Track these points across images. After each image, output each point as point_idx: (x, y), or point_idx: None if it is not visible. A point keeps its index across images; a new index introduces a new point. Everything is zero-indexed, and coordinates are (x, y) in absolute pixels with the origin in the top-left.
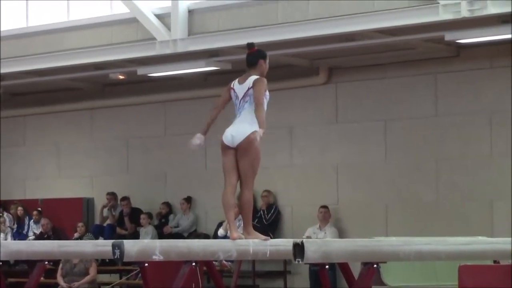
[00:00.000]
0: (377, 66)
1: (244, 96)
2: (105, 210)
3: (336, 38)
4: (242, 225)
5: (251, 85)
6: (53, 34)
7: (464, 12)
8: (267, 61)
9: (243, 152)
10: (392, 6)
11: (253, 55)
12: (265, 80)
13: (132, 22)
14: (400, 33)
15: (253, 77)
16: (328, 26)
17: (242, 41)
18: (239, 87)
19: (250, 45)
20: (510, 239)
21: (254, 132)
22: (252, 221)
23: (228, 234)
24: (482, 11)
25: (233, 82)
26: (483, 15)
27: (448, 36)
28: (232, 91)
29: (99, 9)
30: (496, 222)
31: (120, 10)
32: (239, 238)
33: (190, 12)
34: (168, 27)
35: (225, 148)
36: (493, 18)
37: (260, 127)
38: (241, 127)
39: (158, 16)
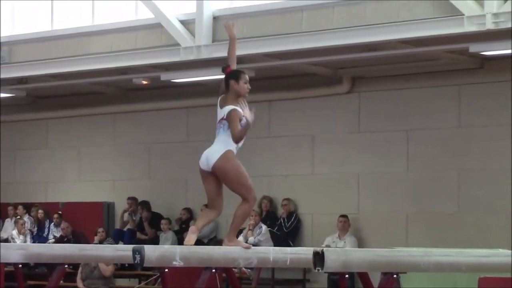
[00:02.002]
0: (401, 76)
1: (220, 121)
2: (126, 214)
3: (360, 47)
4: (261, 232)
5: (225, 116)
6: (77, 38)
7: (489, 24)
8: (242, 80)
9: (221, 174)
10: (416, 17)
11: (226, 78)
12: (236, 110)
13: (156, 27)
14: (424, 44)
15: (228, 108)
16: (352, 36)
17: (266, 49)
18: (219, 110)
19: (222, 69)
20: None
21: (228, 151)
22: (272, 229)
23: (249, 241)
24: (507, 24)
25: (218, 99)
26: (508, 27)
27: (473, 48)
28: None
29: (124, 13)
30: None
31: (145, 15)
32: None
33: (215, 18)
34: (192, 33)
35: (203, 173)
36: None
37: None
38: (214, 148)
39: (183, 22)
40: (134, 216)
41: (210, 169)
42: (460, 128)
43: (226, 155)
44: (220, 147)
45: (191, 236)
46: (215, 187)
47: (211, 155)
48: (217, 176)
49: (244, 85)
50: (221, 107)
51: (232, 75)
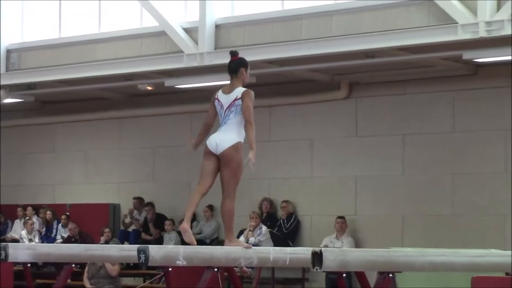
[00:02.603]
0: (397, 83)
1: (230, 106)
2: (127, 218)
3: (357, 54)
4: (262, 232)
5: (238, 96)
6: (84, 45)
7: (482, 32)
8: (248, 70)
9: (226, 161)
10: (412, 25)
11: (235, 63)
12: (253, 93)
13: (161, 35)
14: (420, 51)
15: (241, 89)
16: (350, 43)
17: (267, 56)
18: (224, 97)
19: (233, 53)
20: None
21: (239, 143)
22: (272, 229)
23: (250, 241)
24: (499, 32)
25: (216, 93)
26: (501, 35)
27: (466, 55)
28: (216, 101)
29: (129, 21)
30: (508, 236)
31: (150, 23)
32: (184, 230)
33: (217, 26)
34: (195, 40)
35: (208, 153)
36: (510, 38)
37: (251, 148)
38: (227, 136)
39: (186, 30)
40: (139, 216)
41: (218, 153)
42: (455, 132)
43: (237, 147)
44: (233, 136)
45: (187, 236)
46: (213, 167)
47: (223, 142)
48: (219, 159)
49: (248, 75)
50: (229, 92)
51: (244, 63)
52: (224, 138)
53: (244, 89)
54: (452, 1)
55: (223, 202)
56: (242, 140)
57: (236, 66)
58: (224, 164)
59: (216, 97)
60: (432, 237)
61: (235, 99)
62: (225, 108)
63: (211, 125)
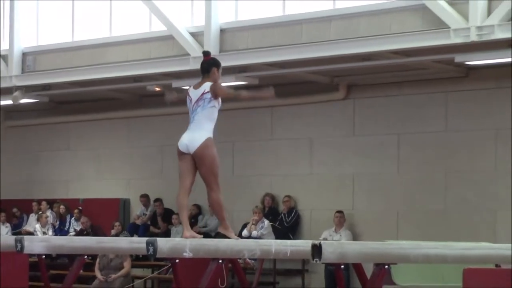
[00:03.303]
0: (392, 84)
1: (197, 100)
2: (141, 209)
3: (355, 57)
4: (264, 226)
5: (206, 90)
6: (96, 48)
7: (473, 36)
8: (220, 70)
9: (200, 160)
10: (406, 29)
11: (208, 63)
12: (220, 84)
13: (168, 39)
14: (414, 54)
15: (208, 83)
16: (348, 47)
17: (269, 59)
18: (194, 92)
19: (205, 53)
20: (511, 245)
21: (208, 139)
22: (274, 223)
23: (253, 234)
24: (490, 36)
25: (188, 89)
26: (491, 39)
27: (458, 58)
28: (187, 97)
29: (138, 26)
30: (498, 230)
31: (158, 27)
32: (192, 237)
33: (222, 31)
34: (201, 44)
35: (181, 154)
36: (500, 42)
37: (241, 93)
38: (195, 135)
39: (193, 34)
40: (146, 211)
41: (191, 153)
42: (447, 132)
43: (207, 143)
44: (201, 134)
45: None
46: (190, 166)
47: (193, 141)
48: (193, 157)
49: (220, 75)
50: (197, 88)
51: (216, 63)
52: (193, 137)
53: (211, 83)
54: (444, 7)
55: (209, 195)
56: (211, 135)
57: (208, 66)
58: (199, 162)
59: (188, 93)
60: (425, 231)
61: (203, 93)
62: (193, 102)
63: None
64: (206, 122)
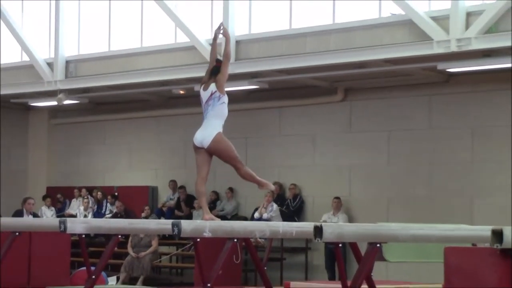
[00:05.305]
0: (384, 88)
1: (207, 100)
2: (168, 195)
3: (351, 65)
4: (273, 209)
5: (214, 90)
6: (129, 57)
7: (454, 47)
8: None
9: (215, 153)
10: (396, 41)
11: (218, 67)
12: (220, 80)
13: (191, 49)
14: (402, 62)
15: (213, 84)
16: (345, 56)
17: (277, 66)
18: (203, 93)
19: (218, 60)
20: (486, 227)
21: (218, 134)
22: (281, 207)
23: (263, 217)
24: (468, 47)
25: (200, 88)
26: (469, 50)
27: (440, 66)
28: (200, 98)
29: (166, 38)
30: (475, 214)
31: (182, 39)
32: (211, 219)
33: (237, 42)
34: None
35: (196, 148)
36: (476, 52)
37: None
38: (207, 132)
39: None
40: (172, 195)
41: (205, 148)
42: (431, 129)
43: (217, 138)
44: (212, 131)
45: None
46: (205, 158)
47: (205, 138)
48: (208, 151)
49: None
50: (206, 90)
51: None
52: (205, 134)
53: (214, 83)
54: (428, 22)
55: (238, 173)
56: (221, 129)
57: (218, 69)
58: (217, 154)
59: (199, 92)
60: (412, 215)
61: (212, 93)
62: (204, 102)
63: None
64: (215, 119)
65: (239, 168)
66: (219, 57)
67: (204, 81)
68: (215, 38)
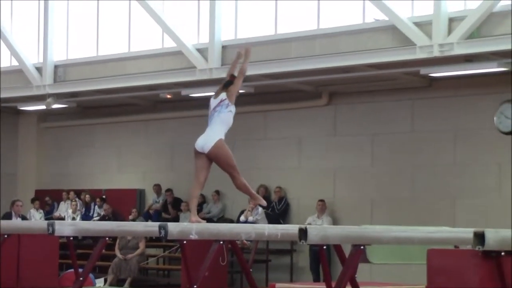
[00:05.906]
0: (367, 92)
1: (215, 107)
2: (153, 198)
3: (336, 70)
4: (258, 212)
5: (223, 98)
6: (117, 61)
7: (436, 52)
8: None
9: (215, 159)
10: (379, 46)
11: (231, 82)
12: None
13: (178, 54)
14: (385, 67)
15: (224, 93)
16: (330, 61)
17: (263, 70)
18: (213, 101)
19: (232, 76)
20: (468, 229)
21: (219, 140)
22: (267, 210)
23: (249, 219)
24: (450, 52)
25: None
26: (451, 55)
27: (423, 70)
28: (209, 106)
29: (153, 43)
30: (457, 215)
31: (169, 44)
32: (197, 222)
33: (224, 47)
34: (206, 58)
35: (197, 153)
36: (458, 57)
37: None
38: (210, 137)
39: (199, 50)
40: (157, 198)
41: (206, 153)
42: (413, 132)
43: (218, 145)
44: (213, 137)
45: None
46: (204, 163)
47: (206, 143)
48: (208, 156)
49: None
50: (216, 98)
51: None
52: (207, 139)
53: (225, 93)
54: (411, 27)
55: (234, 182)
56: (223, 137)
57: (231, 83)
58: (215, 161)
59: (210, 101)
60: (395, 217)
61: (221, 101)
62: (211, 109)
63: None
64: (219, 126)
65: (236, 178)
66: (234, 74)
67: (216, 93)
68: (237, 57)
